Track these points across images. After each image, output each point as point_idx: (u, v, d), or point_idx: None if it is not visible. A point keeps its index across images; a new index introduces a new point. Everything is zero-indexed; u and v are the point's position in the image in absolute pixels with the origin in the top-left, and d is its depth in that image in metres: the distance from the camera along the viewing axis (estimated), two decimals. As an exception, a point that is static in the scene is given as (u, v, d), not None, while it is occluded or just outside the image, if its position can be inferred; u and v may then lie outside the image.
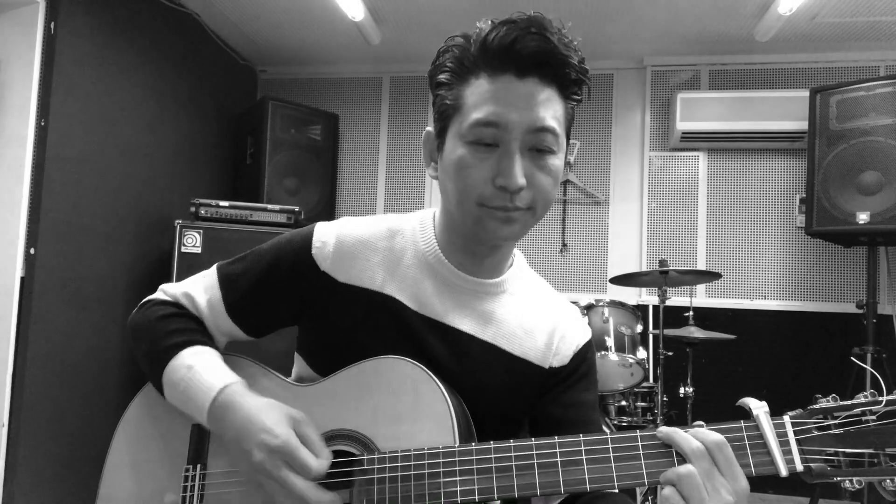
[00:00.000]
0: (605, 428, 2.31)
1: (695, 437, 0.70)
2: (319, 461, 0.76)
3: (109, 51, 2.59)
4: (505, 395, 0.91)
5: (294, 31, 3.32)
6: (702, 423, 0.73)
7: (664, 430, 0.72)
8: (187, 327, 0.91)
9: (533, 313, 0.95)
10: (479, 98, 0.79)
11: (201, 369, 0.85)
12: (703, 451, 0.69)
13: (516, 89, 0.78)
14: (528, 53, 0.77)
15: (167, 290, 0.97)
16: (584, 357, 0.97)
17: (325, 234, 0.91)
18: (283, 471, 0.74)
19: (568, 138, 0.86)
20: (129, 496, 0.89)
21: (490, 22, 0.81)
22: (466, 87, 0.81)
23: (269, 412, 0.79)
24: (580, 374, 0.96)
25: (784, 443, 0.70)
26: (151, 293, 0.98)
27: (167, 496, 0.87)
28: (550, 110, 0.79)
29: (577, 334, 0.97)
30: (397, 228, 0.94)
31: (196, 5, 3.05)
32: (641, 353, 2.59)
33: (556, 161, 0.82)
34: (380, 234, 0.93)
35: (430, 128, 0.90)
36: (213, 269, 0.96)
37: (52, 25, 2.30)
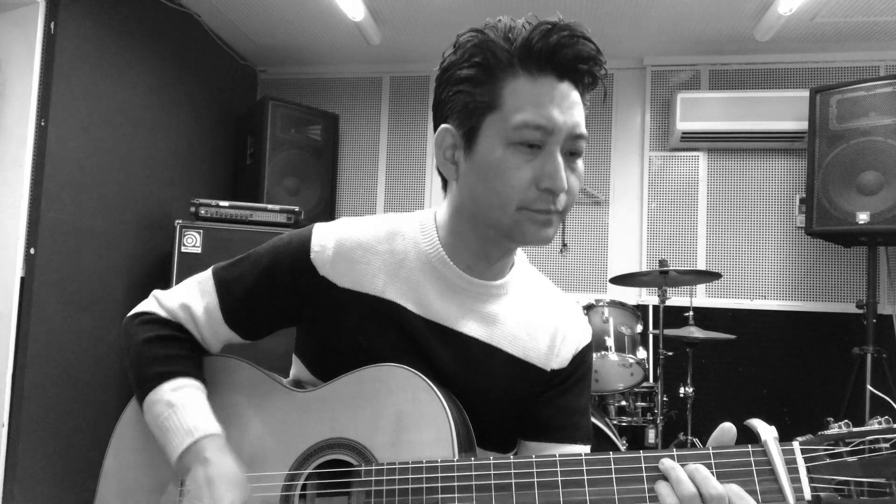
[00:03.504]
0: (605, 429, 2.31)
1: (696, 480, 0.68)
2: None
3: (109, 51, 2.59)
4: (507, 397, 0.90)
5: (294, 31, 3.32)
6: (709, 449, 0.70)
7: (667, 462, 0.70)
8: (173, 354, 0.89)
9: (535, 314, 0.93)
10: (524, 99, 0.78)
11: (182, 409, 0.83)
12: (694, 496, 0.67)
13: (559, 92, 0.78)
14: (572, 57, 0.78)
15: (162, 301, 0.94)
16: (583, 360, 0.95)
17: (324, 238, 0.89)
18: None
19: None
20: (126, 497, 0.89)
21: (506, 20, 0.80)
22: (503, 84, 0.79)
23: (229, 491, 0.77)
24: (576, 378, 0.94)
25: (793, 470, 0.67)
26: (151, 294, 0.97)
27: (165, 498, 0.87)
28: (582, 115, 0.81)
29: (577, 336, 0.95)
30: (397, 230, 0.92)
31: (196, 5, 3.05)
32: (641, 353, 2.59)
33: (582, 164, 0.84)
34: (380, 237, 0.91)
35: (446, 125, 0.84)
36: (209, 274, 0.93)
37: (52, 25, 2.30)
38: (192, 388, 0.86)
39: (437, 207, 0.95)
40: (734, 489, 0.67)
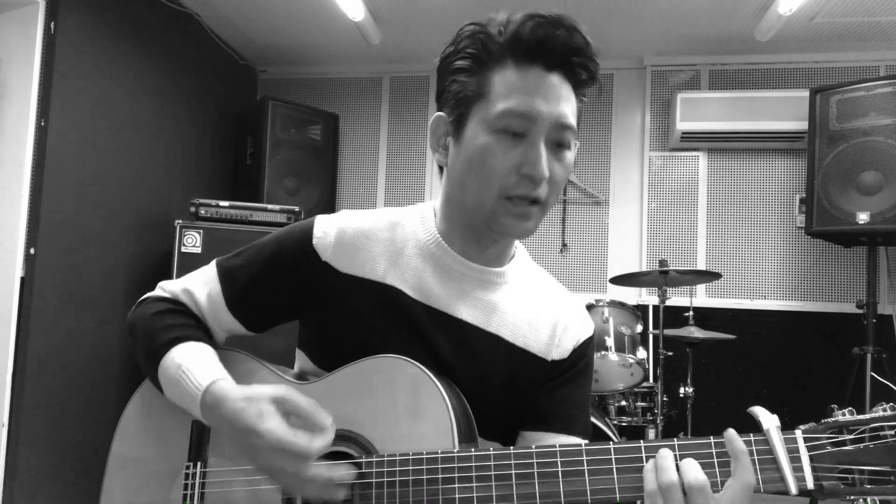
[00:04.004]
0: (605, 429, 2.31)
1: (682, 469, 0.68)
2: (313, 439, 0.74)
3: (109, 51, 2.59)
4: (507, 386, 0.90)
5: (294, 31, 3.32)
6: (710, 439, 0.71)
7: (662, 451, 0.70)
8: (180, 322, 0.90)
9: (537, 304, 0.94)
10: (509, 87, 0.80)
11: (191, 367, 0.83)
12: (674, 485, 0.67)
13: (545, 82, 0.80)
14: (560, 49, 0.79)
15: (165, 287, 0.96)
16: (584, 353, 0.96)
17: (326, 225, 0.91)
18: (289, 463, 0.73)
19: (577, 130, 0.87)
20: (131, 493, 0.89)
21: (504, 14, 0.81)
22: (492, 74, 0.81)
23: (251, 407, 0.76)
24: (577, 371, 0.95)
25: (795, 458, 0.67)
26: (157, 285, 0.98)
27: (170, 494, 0.87)
28: (571, 107, 0.82)
29: (579, 328, 0.96)
30: (397, 220, 0.94)
31: (196, 5, 3.05)
32: (641, 353, 2.59)
33: (571, 156, 0.84)
34: (381, 226, 0.92)
35: (441, 112, 0.87)
36: (213, 265, 0.95)
37: (52, 25, 2.30)
38: (199, 347, 0.87)
39: (436, 199, 0.96)
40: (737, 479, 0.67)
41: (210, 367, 0.84)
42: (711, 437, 0.71)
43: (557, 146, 0.82)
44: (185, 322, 0.91)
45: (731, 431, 0.70)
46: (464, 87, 0.82)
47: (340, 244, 0.90)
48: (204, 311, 0.93)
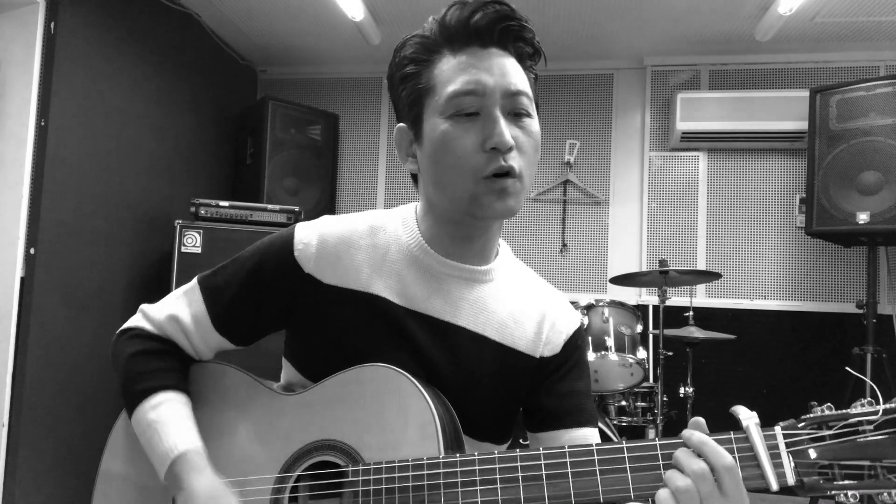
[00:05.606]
0: (605, 429, 2.31)
1: (705, 454, 0.67)
2: None
3: (109, 51, 2.59)
4: (496, 386, 0.90)
5: (294, 31, 3.32)
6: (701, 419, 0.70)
7: (679, 452, 0.69)
8: (157, 367, 0.89)
9: (522, 302, 0.93)
10: (451, 72, 0.81)
11: (160, 428, 0.83)
12: (705, 473, 0.66)
13: (484, 58, 0.81)
14: (487, 22, 0.80)
15: (149, 315, 0.93)
16: (576, 345, 0.96)
17: (306, 235, 0.89)
18: None
19: (537, 107, 0.87)
20: None
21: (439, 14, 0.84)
22: (433, 67, 0.83)
23: None
24: (572, 363, 0.95)
25: (775, 455, 0.67)
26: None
27: None
28: (519, 76, 0.82)
29: (567, 322, 0.95)
30: (379, 225, 0.92)
31: (196, 5, 3.05)
32: (641, 353, 2.59)
33: (535, 125, 0.84)
34: (362, 232, 0.91)
35: (401, 124, 0.89)
36: (195, 283, 0.93)
37: (52, 25, 2.30)
38: (172, 402, 0.86)
39: (417, 202, 0.95)
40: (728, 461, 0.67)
41: (180, 431, 0.83)
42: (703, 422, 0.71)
43: (515, 116, 0.82)
44: (163, 366, 0.89)
45: (686, 431, 0.70)
46: (414, 90, 0.84)
47: (322, 254, 0.88)
48: (190, 334, 0.91)
